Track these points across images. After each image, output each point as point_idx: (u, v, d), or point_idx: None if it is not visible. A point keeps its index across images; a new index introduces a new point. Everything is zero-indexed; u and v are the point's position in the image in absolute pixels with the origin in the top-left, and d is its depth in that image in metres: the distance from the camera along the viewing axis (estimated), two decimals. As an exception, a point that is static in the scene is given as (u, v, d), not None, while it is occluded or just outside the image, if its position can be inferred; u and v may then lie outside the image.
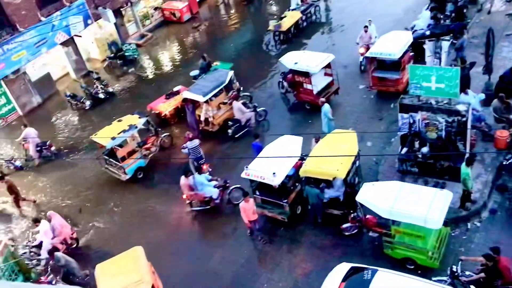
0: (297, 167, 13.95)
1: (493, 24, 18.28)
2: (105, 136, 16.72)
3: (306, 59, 18.17)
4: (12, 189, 16.91)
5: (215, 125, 18.51)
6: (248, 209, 13.32)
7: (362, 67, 20.04)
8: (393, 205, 11.19)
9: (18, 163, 19.29)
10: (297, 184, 14.20)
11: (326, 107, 16.51)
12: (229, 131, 18.07)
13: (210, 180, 15.34)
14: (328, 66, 18.55)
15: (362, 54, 19.67)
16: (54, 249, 13.96)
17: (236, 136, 18.12)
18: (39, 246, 14.28)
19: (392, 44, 17.67)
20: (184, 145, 16.90)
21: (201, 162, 16.47)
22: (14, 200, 17.05)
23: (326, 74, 18.89)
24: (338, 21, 25.14)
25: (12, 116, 22.44)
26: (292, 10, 24.82)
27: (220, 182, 15.30)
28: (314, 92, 18.20)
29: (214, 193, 15.08)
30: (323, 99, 17.07)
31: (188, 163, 16.63)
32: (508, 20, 19.12)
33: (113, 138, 16.52)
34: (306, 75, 17.97)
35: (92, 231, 15.82)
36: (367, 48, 19.12)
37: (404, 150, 14.07)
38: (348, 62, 20.64)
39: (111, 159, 17.25)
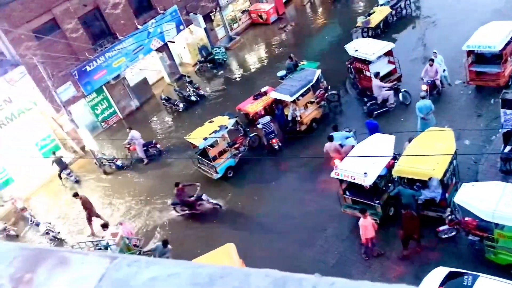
0: (390, 166, 13.55)
1: None
2: (198, 136, 17.43)
3: (366, 47, 18.92)
4: (85, 205, 17.47)
5: (302, 124, 18.54)
6: (367, 226, 12.50)
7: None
8: (496, 207, 10.49)
9: (119, 162, 20.70)
10: (389, 184, 13.79)
11: (419, 103, 15.88)
12: (364, 107, 18.01)
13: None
14: (389, 53, 19.00)
15: (425, 91, 16.65)
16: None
17: (374, 113, 17.78)
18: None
19: (492, 36, 16.53)
20: (258, 121, 18.23)
21: (271, 137, 17.85)
22: (87, 216, 17.52)
23: (389, 62, 19.24)
24: (430, 15, 24.03)
25: (113, 119, 24.14)
26: (381, 5, 24.13)
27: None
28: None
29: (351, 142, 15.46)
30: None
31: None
32: None
33: (205, 139, 17.18)
34: (366, 62, 18.60)
35: (182, 228, 16.53)
36: (431, 86, 17.09)
37: (508, 148, 13.13)
38: (444, 55, 19.62)
39: (203, 159, 17.93)
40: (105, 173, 20.69)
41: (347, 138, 16.23)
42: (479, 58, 17.18)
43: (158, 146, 20.52)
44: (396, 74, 19.16)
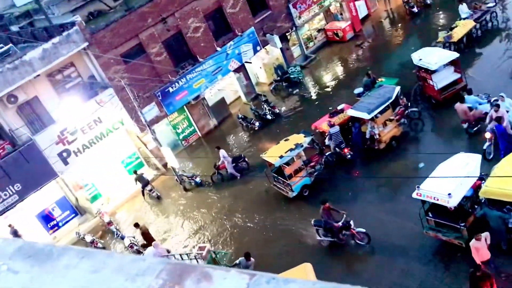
0: (476, 187, 12.83)
1: None
2: (274, 154, 17.58)
3: (430, 56, 19.05)
4: (146, 236, 17.88)
5: (381, 143, 18.08)
6: (481, 248, 11.66)
7: (486, 155, 15.50)
8: None
9: (198, 179, 21.36)
10: (476, 206, 13.02)
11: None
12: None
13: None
14: (455, 63, 19.01)
15: (489, 140, 15.51)
16: None
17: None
18: None
19: None
20: (328, 131, 18.50)
21: (342, 146, 18.14)
22: (143, 244, 17.84)
23: (455, 71, 19.20)
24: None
25: (193, 137, 25.04)
26: (464, 19, 23.14)
27: None
28: (436, 88, 18.76)
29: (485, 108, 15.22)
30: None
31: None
32: None
33: (281, 157, 17.28)
34: (429, 71, 18.81)
35: (256, 245, 16.63)
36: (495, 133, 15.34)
37: None
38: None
39: (279, 177, 18.02)
40: (185, 189, 21.42)
41: (480, 104, 16.75)
42: None
43: (246, 159, 20.95)
44: (462, 83, 19.08)
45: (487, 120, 15.77)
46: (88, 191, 22.22)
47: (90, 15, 24.55)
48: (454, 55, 19.01)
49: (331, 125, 18.49)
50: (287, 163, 17.73)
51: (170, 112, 23.63)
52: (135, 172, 21.86)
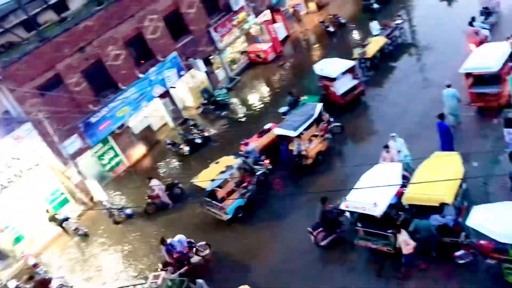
0: (400, 194, 13.45)
1: None
2: (205, 178, 17.45)
3: (330, 65, 21.27)
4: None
5: (308, 158, 18.54)
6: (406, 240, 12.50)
7: None
8: (511, 227, 10.30)
9: (128, 211, 20.68)
10: (400, 212, 13.63)
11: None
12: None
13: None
14: (352, 71, 21.03)
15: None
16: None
17: None
18: None
19: (488, 57, 16.71)
20: (243, 150, 19.17)
21: (261, 159, 18.88)
22: None
23: (354, 77, 21.22)
24: (426, 41, 24.34)
25: (120, 167, 24.27)
26: (376, 36, 24.55)
27: None
28: (338, 94, 20.86)
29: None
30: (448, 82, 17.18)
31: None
32: None
33: (212, 180, 17.19)
34: (331, 79, 20.78)
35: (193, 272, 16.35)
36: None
37: (516, 167, 13.03)
38: (440, 80, 19.75)
39: (212, 201, 17.87)
40: (116, 222, 20.64)
41: (483, 28, 20.27)
42: (478, 79, 17.28)
43: (180, 186, 20.55)
44: (360, 88, 21.39)
45: (380, 160, 15.65)
46: (10, 234, 20.76)
47: (1, 47, 23.30)
48: (351, 63, 21.13)
49: (245, 144, 19.43)
50: (219, 186, 17.66)
51: (94, 143, 22.80)
52: (47, 211, 20.81)
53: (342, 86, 21.02)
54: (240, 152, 19.34)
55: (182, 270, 15.94)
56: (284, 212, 17.30)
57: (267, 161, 18.87)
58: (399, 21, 25.44)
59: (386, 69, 23.51)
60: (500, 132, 14.61)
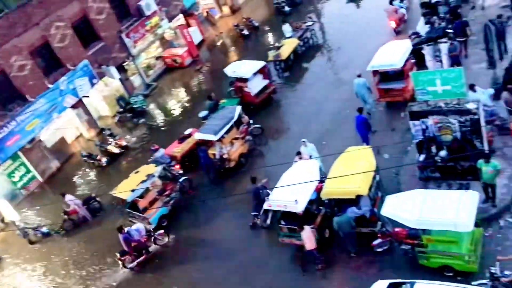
0: (319, 190, 13.90)
1: (488, 19, 18.37)
2: (125, 189, 16.93)
3: (241, 67, 21.80)
4: None
5: (231, 161, 18.62)
6: (305, 238, 13.04)
7: None
8: (420, 214, 11.03)
9: (44, 229, 19.54)
10: (321, 207, 14.10)
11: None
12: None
13: None
14: (262, 71, 21.72)
15: None
16: None
17: None
18: None
19: (392, 54, 17.76)
20: (152, 157, 19.12)
21: (172, 164, 18.67)
22: None
23: (264, 77, 21.96)
24: (336, 41, 25.41)
25: (33, 184, 22.86)
26: (288, 38, 25.22)
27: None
28: (252, 94, 21.45)
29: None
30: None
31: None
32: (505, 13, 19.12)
33: (133, 191, 16.73)
34: (244, 80, 21.31)
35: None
36: None
37: (422, 157, 13.93)
38: (351, 78, 20.69)
39: (134, 212, 17.35)
40: (31, 242, 19.42)
41: (401, 7, 22.48)
42: (384, 76, 18.32)
43: (98, 199, 19.72)
44: (272, 87, 22.24)
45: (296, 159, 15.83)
46: None
47: None
48: (261, 63, 21.72)
49: (155, 150, 19.28)
50: (141, 196, 17.21)
51: (2, 161, 21.31)
52: None
53: (256, 85, 21.71)
54: (149, 160, 19.14)
55: (140, 259, 15.81)
56: (210, 217, 17.22)
57: (177, 167, 18.70)
58: (309, 23, 26.32)
59: (300, 70, 24.24)
60: (407, 125, 15.55)
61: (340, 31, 25.93)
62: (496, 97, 15.23)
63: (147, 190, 17.31)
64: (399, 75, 17.81)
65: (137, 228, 16.19)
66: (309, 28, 26.07)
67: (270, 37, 29.01)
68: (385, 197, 12.93)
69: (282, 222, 14.13)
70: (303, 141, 16.26)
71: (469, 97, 13.52)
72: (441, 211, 10.91)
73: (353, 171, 12.64)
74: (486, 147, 13.11)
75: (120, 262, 16.02)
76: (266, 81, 22.17)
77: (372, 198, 13.25)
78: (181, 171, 18.63)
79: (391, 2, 23.46)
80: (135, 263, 15.92)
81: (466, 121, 12.82)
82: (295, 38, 25.09)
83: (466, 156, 13.09)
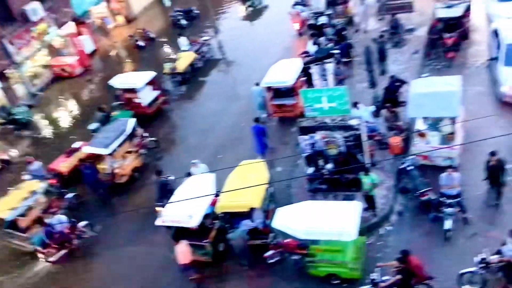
0: (214, 204, 13.93)
1: (370, 42, 19.98)
2: (4, 208, 15.56)
3: (130, 78, 21.56)
4: None
5: (123, 176, 17.98)
6: (180, 252, 12.97)
7: None
8: (308, 225, 11.53)
9: None
10: (215, 221, 14.13)
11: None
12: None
13: None
14: (153, 83, 21.63)
15: None
16: None
17: None
18: None
19: (284, 72, 18.52)
20: (26, 171, 18.16)
21: (48, 177, 17.67)
22: None
23: (154, 88, 21.86)
24: (233, 56, 25.90)
25: None
26: (185, 51, 25.17)
27: None
28: (144, 105, 21.18)
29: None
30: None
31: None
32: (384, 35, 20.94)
33: (14, 209, 15.43)
34: (134, 91, 20.99)
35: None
36: None
37: (311, 170, 14.63)
38: (247, 93, 21.18)
39: (14, 232, 15.96)
40: None
41: (303, 11, 24.50)
42: (277, 92, 19.01)
43: None
44: (162, 98, 22.11)
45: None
46: None
47: None
48: (152, 74, 21.52)
49: (29, 163, 18.36)
50: (22, 215, 15.89)
51: None
52: None
53: (147, 96, 21.47)
54: (23, 174, 18.15)
55: (62, 252, 15.09)
56: (101, 233, 16.38)
57: (54, 181, 17.58)
58: (206, 37, 26.53)
59: (197, 83, 24.27)
60: (297, 139, 16.22)
61: (237, 47, 26.48)
62: (376, 114, 16.54)
63: (29, 208, 16.04)
64: (291, 92, 18.60)
65: (59, 218, 15.37)
66: (206, 43, 26.24)
67: (166, 50, 28.65)
68: (277, 209, 13.35)
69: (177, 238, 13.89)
70: (194, 163, 16.15)
71: (352, 114, 14.50)
72: (328, 221, 11.51)
73: (247, 185, 12.89)
74: (367, 161, 14.14)
75: (41, 256, 15.06)
76: (157, 92, 22.00)
77: (265, 211, 13.59)
78: (58, 185, 17.54)
79: (294, 6, 25.28)
80: (57, 255, 15.05)
81: (350, 136, 13.72)
82: (192, 51, 25.09)
83: (350, 169, 13.98)
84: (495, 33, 18.23)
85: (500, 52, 17.15)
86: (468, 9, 20.03)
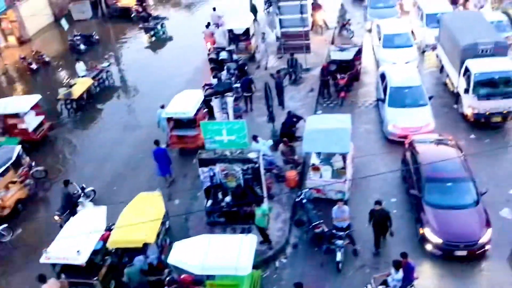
0: (105, 239, 13.18)
1: (270, 78, 20.69)
2: None
3: (12, 103, 20.41)
4: None
5: (5, 208, 16.46)
6: None
7: None
8: (204, 260, 11.29)
9: None
10: (107, 257, 13.34)
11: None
12: None
13: None
14: (36, 106, 20.61)
15: None
16: None
17: None
18: None
19: (185, 103, 18.42)
20: None
21: None
22: None
23: (37, 114, 20.88)
24: (135, 84, 25.32)
25: None
26: (82, 77, 24.12)
27: None
28: (29, 130, 20.14)
29: None
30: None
31: None
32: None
33: None
34: (16, 116, 20.01)
35: None
36: None
37: (209, 202, 14.53)
38: (147, 123, 20.71)
39: None
40: None
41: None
42: (178, 123, 18.80)
43: None
44: (47, 123, 21.20)
45: None
46: None
47: None
48: (37, 98, 20.49)
49: None
50: None
51: None
52: None
53: (32, 121, 20.47)
54: None
55: None
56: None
57: None
58: (106, 64, 25.71)
59: (95, 111, 23.28)
60: (197, 171, 16.11)
61: (139, 75, 25.96)
62: (274, 148, 17.00)
63: None
64: (192, 123, 18.50)
65: None
66: (105, 69, 25.40)
67: (62, 74, 27.30)
68: (173, 243, 12.97)
69: (63, 276, 12.89)
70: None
71: (251, 147, 14.75)
72: (223, 256, 11.37)
73: (142, 218, 12.45)
74: (265, 193, 14.38)
75: None
76: (41, 117, 20.96)
77: (160, 246, 13.14)
78: None
79: (207, 26, 26.32)
80: None
81: (248, 169, 13.91)
82: (89, 77, 24.11)
83: (248, 202, 14.10)
84: (382, 76, 19.83)
85: (386, 94, 18.63)
86: (359, 53, 21.60)
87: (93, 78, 24.22)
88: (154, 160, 16.98)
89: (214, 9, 28.58)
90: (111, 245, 12.71)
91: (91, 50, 29.40)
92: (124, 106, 23.88)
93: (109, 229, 13.44)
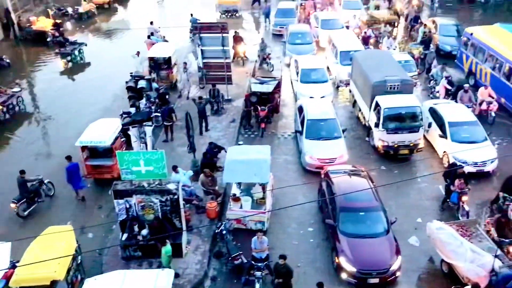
0: (8, 277, 12.16)
1: (191, 108, 20.67)
2: None
3: None
4: None
5: None
6: None
7: None
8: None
9: None
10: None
11: None
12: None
13: None
14: None
15: None
16: None
17: None
18: None
19: (102, 132, 17.81)
20: None
21: None
22: None
23: None
24: (47, 111, 24.16)
25: None
26: (-11, 102, 22.64)
27: None
28: None
29: None
30: None
31: None
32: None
33: None
34: None
35: None
36: None
37: (125, 236, 13.97)
38: (61, 151, 19.66)
39: None
40: None
41: (157, 41, 28.04)
42: (93, 152, 18.08)
43: None
44: None
45: None
46: None
47: None
48: None
49: None
50: None
51: None
52: None
53: None
54: None
55: None
56: None
57: None
58: (16, 89, 24.32)
59: (2, 138, 21.77)
60: (113, 203, 15.49)
61: (54, 102, 24.90)
62: (195, 178, 16.83)
63: None
64: (108, 152, 17.88)
65: None
66: (16, 94, 23.98)
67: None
68: (85, 279, 12.26)
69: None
70: None
71: (170, 177, 14.48)
72: (137, 292, 10.94)
73: (51, 254, 11.67)
74: (184, 226, 14.12)
75: None
76: None
77: (70, 282, 12.35)
78: None
79: (149, 37, 28.25)
80: None
81: (167, 201, 13.62)
82: (-2, 103, 22.67)
83: (166, 235, 13.72)
84: (300, 109, 20.54)
85: (303, 126, 19.29)
86: (278, 86, 22.29)
87: (2, 103, 22.76)
88: (66, 180, 16.87)
89: (151, 22, 30.12)
90: (14, 284, 11.73)
91: (1, 73, 27.71)
92: (35, 134, 22.58)
93: (13, 266, 12.44)
